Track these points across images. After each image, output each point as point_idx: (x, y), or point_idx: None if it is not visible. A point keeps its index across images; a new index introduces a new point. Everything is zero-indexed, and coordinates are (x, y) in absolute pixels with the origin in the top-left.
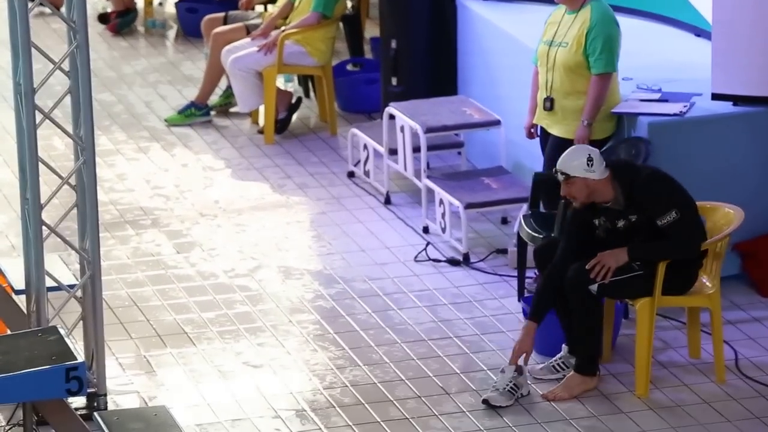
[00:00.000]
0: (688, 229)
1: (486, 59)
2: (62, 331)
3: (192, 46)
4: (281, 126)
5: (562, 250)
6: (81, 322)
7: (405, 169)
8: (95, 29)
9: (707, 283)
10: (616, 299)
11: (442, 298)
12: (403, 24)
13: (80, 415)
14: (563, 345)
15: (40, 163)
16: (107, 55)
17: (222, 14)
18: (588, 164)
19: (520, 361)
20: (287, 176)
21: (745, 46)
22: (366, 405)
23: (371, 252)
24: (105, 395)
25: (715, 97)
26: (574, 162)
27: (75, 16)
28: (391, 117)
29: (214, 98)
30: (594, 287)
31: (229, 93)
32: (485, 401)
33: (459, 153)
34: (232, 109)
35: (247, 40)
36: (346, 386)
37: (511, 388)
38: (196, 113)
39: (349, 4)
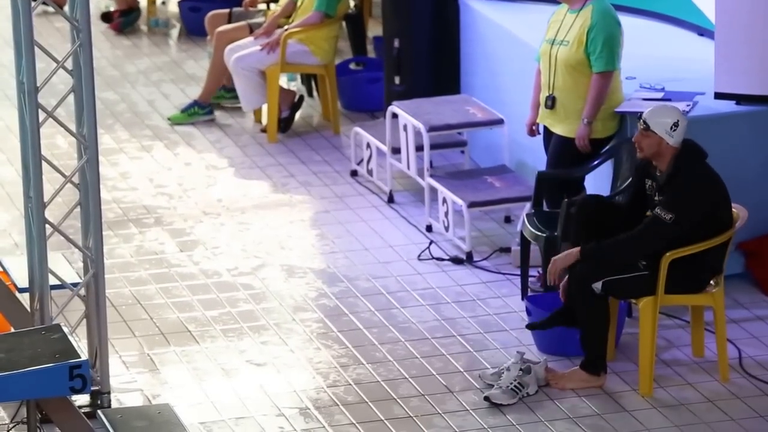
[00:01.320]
0: (661, 232)
1: (489, 58)
2: (66, 329)
3: (195, 44)
4: (284, 125)
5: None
6: (84, 320)
7: (408, 167)
8: (98, 28)
9: (711, 282)
10: (621, 299)
11: (445, 296)
12: (405, 23)
13: (84, 412)
14: (513, 357)
15: (43, 162)
16: (110, 53)
17: (227, 11)
18: (672, 128)
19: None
20: (290, 175)
21: (748, 45)
22: (369, 403)
23: (374, 250)
24: (108, 393)
25: (718, 96)
26: (662, 119)
27: (78, 14)
28: (394, 116)
29: (198, 93)
30: (598, 285)
31: (220, 94)
32: (487, 398)
33: (462, 152)
34: (227, 104)
35: (250, 39)
36: (350, 384)
37: (515, 386)
38: (199, 112)
39: (352, 3)
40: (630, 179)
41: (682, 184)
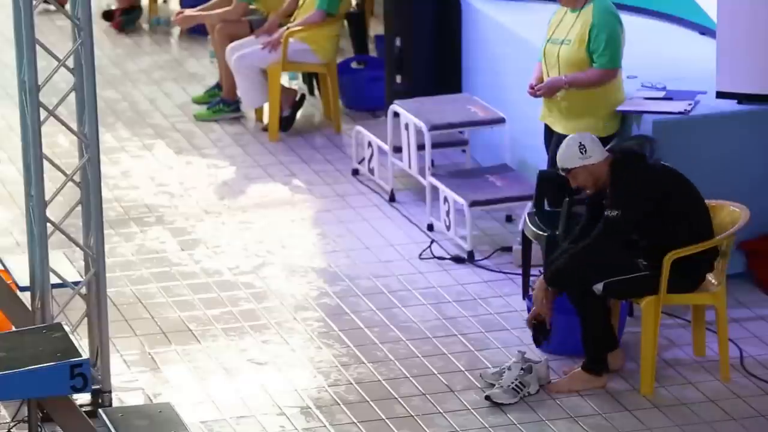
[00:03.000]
0: (612, 229)
1: (490, 57)
2: (67, 328)
3: (196, 43)
4: (286, 123)
5: (581, 227)
6: (86, 319)
7: (409, 166)
8: (100, 26)
9: (712, 281)
10: (622, 300)
11: (446, 295)
12: (407, 22)
13: (85, 411)
14: (513, 358)
15: (44, 160)
16: (112, 52)
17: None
18: (581, 152)
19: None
20: (292, 174)
21: (749, 44)
22: (371, 402)
23: (376, 249)
24: (110, 392)
25: (720, 95)
26: (568, 154)
27: (79, 13)
28: (396, 115)
29: (199, 92)
30: (599, 286)
31: (219, 108)
32: (488, 398)
33: (463, 151)
34: (225, 117)
35: (252, 37)
36: (351, 383)
37: (516, 386)
38: (225, 109)
39: (354, 2)
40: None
41: (621, 183)
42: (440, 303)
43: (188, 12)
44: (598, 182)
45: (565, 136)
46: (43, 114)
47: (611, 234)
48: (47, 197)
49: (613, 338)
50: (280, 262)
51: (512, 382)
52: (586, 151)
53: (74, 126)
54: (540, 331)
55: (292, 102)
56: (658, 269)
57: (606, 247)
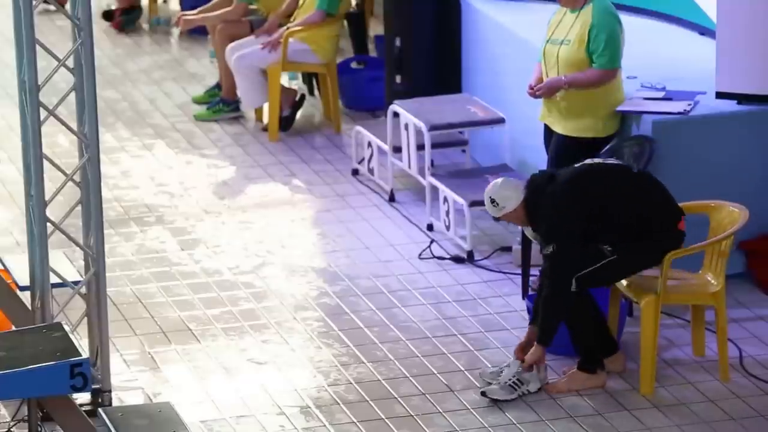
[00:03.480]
0: (559, 262)
1: (490, 57)
2: (67, 328)
3: (196, 43)
4: (285, 123)
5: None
6: (85, 318)
7: (409, 166)
8: (100, 26)
9: (712, 281)
10: (597, 287)
11: (446, 295)
12: (407, 22)
13: (85, 411)
14: (512, 358)
15: (44, 160)
16: (112, 52)
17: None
18: (494, 205)
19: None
20: (291, 174)
21: (749, 44)
22: (370, 402)
23: (376, 249)
24: (109, 391)
25: (720, 95)
26: (488, 208)
27: (79, 13)
28: (396, 115)
29: (199, 92)
30: (572, 283)
31: (219, 108)
32: (483, 393)
33: (463, 151)
34: (225, 117)
35: (252, 37)
36: (351, 383)
37: (513, 382)
38: (224, 108)
39: (354, 2)
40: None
41: (541, 220)
42: (440, 303)
43: (189, 15)
44: (525, 221)
45: (564, 137)
46: (43, 114)
47: (560, 264)
48: (47, 197)
49: (609, 340)
50: (280, 262)
51: (509, 379)
52: (497, 204)
53: (74, 126)
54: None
55: (292, 102)
56: (625, 251)
57: (564, 277)
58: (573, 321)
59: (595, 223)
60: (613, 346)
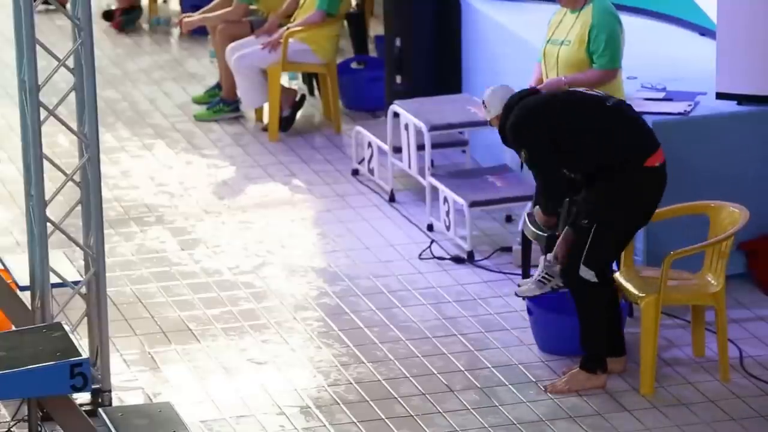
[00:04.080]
0: (542, 181)
1: (490, 57)
2: (67, 328)
3: (196, 43)
4: (286, 124)
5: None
6: (85, 318)
7: (409, 167)
8: (100, 26)
9: (712, 282)
10: (608, 264)
11: (446, 295)
12: (407, 22)
13: (85, 411)
14: (542, 256)
15: (44, 160)
16: (112, 52)
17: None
18: (485, 107)
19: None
20: (292, 174)
21: (749, 45)
22: (370, 402)
23: (376, 250)
24: (109, 391)
25: (720, 96)
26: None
27: (79, 12)
28: (396, 115)
29: (199, 92)
30: (591, 275)
31: (220, 108)
32: (517, 295)
33: (463, 151)
34: (225, 117)
35: (252, 37)
36: (351, 383)
37: (542, 277)
38: (224, 109)
39: (354, 2)
40: None
41: (510, 126)
42: (440, 303)
43: (189, 17)
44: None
45: None
46: (43, 114)
47: (547, 183)
48: (47, 197)
49: (619, 340)
50: (280, 262)
51: (539, 274)
52: (486, 107)
53: (74, 126)
54: (550, 246)
55: (292, 102)
56: (595, 214)
57: (553, 191)
58: (588, 312)
59: (565, 154)
60: (620, 348)
